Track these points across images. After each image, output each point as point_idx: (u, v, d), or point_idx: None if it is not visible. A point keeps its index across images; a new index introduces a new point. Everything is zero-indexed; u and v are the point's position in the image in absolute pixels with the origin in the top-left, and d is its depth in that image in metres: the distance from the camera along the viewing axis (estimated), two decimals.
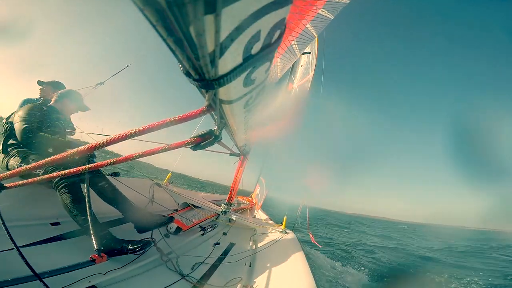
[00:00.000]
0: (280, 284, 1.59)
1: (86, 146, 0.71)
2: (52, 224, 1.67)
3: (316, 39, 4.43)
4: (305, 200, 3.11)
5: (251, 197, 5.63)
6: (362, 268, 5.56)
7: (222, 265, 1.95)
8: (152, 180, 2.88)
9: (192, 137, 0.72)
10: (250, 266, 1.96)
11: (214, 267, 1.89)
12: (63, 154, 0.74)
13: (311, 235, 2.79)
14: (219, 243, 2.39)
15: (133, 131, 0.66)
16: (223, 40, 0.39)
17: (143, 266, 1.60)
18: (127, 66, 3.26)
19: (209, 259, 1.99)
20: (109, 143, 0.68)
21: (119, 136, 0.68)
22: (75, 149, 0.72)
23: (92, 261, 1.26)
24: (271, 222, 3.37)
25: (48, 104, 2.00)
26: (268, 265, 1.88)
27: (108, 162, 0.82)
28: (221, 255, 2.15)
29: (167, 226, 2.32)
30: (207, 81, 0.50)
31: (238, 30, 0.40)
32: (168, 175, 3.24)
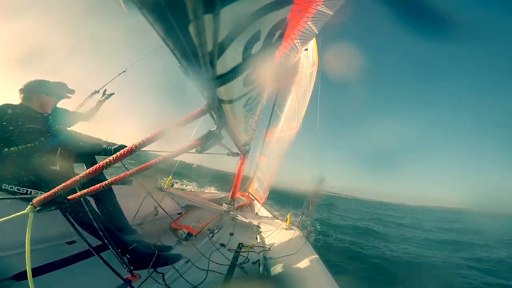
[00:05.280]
0: (298, 281, 1.60)
1: (94, 168, 0.72)
2: (68, 243, 1.63)
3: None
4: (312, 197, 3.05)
5: (249, 192, 5.62)
6: None
7: (236, 268, 1.96)
8: (153, 185, 2.88)
9: (194, 141, 0.72)
10: (263, 266, 1.96)
11: (229, 271, 1.90)
12: (74, 179, 0.75)
13: (311, 230, 2.79)
14: (228, 245, 2.41)
15: (137, 144, 0.66)
16: (222, 40, 0.39)
17: (161, 280, 1.56)
18: (123, 71, 3.01)
19: (223, 262, 2.01)
20: (115, 161, 0.69)
21: (124, 152, 0.68)
22: (84, 173, 0.74)
23: (129, 282, 1.29)
24: (275, 219, 3.38)
25: (16, 104, 1.54)
26: (281, 263, 1.89)
27: (106, 183, 0.83)
28: (233, 257, 2.17)
29: (178, 233, 2.35)
30: (206, 80, 0.50)
31: (238, 29, 0.40)
32: (169, 178, 3.24)
